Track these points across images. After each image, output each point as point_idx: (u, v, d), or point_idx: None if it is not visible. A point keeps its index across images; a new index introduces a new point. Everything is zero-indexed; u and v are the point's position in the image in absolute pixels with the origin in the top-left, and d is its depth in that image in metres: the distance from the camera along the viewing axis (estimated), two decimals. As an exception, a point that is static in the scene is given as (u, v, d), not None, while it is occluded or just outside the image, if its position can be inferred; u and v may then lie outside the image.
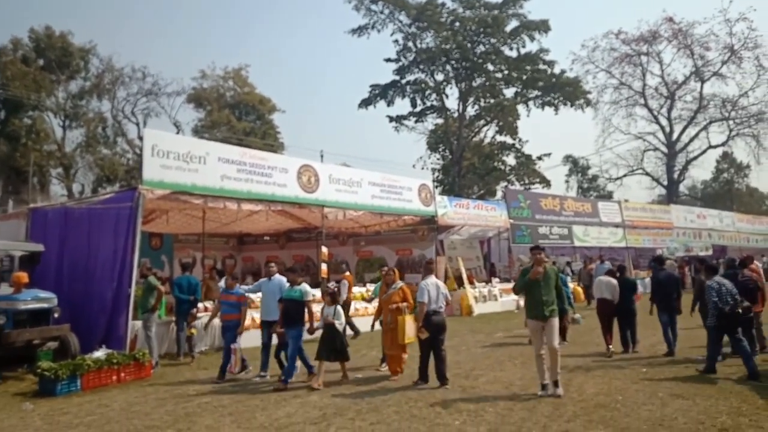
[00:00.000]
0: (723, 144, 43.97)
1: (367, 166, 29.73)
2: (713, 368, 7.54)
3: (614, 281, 9.69)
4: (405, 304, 7.67)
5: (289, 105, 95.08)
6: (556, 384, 6.56)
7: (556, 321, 6.66)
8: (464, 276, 16.88)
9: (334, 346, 7.47)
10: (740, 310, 7.30)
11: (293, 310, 7.57)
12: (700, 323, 8.71)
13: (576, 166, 49.00)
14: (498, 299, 17.50)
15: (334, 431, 5.47)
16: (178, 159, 10.12)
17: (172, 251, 16.90)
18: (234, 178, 11.08)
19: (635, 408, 5.99)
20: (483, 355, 9.66)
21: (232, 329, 8.10)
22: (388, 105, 40.81)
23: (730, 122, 42.18)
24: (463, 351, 10.07)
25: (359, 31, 39.54)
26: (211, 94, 43.31)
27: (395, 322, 7.62)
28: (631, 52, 41.67)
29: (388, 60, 40.55)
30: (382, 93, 40.52)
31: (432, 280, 7.56)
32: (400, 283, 7.98)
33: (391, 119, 41.35)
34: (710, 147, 43.85)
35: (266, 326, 8.03)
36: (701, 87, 41.51)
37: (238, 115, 43.28)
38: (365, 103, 40.99)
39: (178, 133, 37.12)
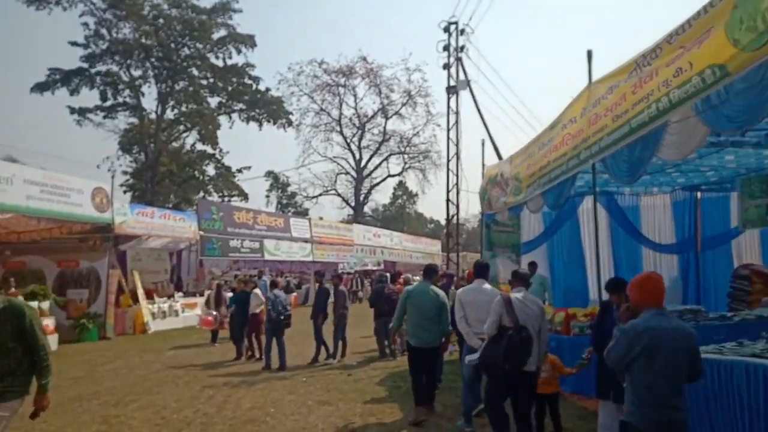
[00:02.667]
0: (399, 174, 51.24)
1: (38, 162, 24.97)
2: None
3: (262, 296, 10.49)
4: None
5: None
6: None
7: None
8: (140, 291, 15.46)
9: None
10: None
11: None
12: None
13: (277, 182, 50.73)
14: (180, 315, 16.52)
15: None
16: None
17: None
18: None
19: (283, 419, 6.15)
20: (143, 378, 8.81)
21: None
22: (72, 94, 35.55)
23: (405, 156, 49.54)
24: (123, 374, 9.03)
25: (37, 1, 33.52)
26: None
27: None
28: (331, 82, 45.45)
29: (74, 44, 35.46)
30: (64, 79, 35.06)
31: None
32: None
33: (74, 110, 36.10)
34: (389, 176, 50.69)
35: None
36: (385, 123, 47.77)
37: None
38: (41, 87, 34.87)
39: None
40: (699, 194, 10.21)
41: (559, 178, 6.86)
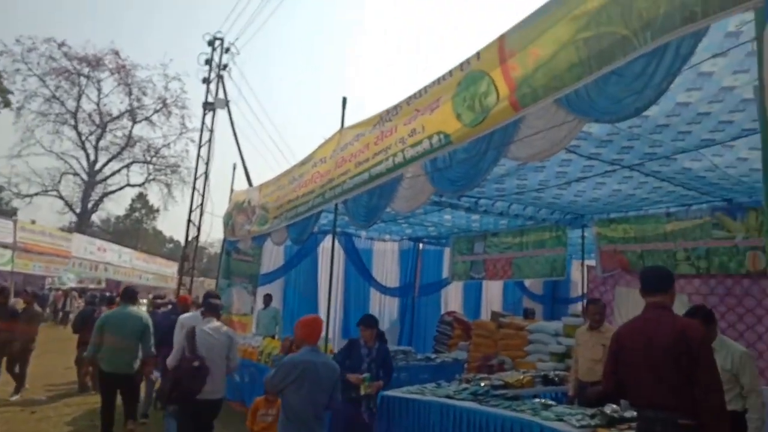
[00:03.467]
0: (141, 185, 46.80)
1: None
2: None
3: None
4: None
5: None
6: None
7: None
8: None
9: None
10: None
11: None
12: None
13: (-22, 171, 41.53)
14: None
15: None
16: None
17: None
18: None
19: None
20: None
21: None
22: None
23: (151, 166, 45.53)
24: None
25: None
26: None
27: None
28: (72, 70, 39.67)
29: None
30: None
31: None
32: None
33: None
34: (129, 185, 45.82)
35: None
36: (132, 126, 43.44)
37: None
38: None
39: None
40: (421, 245, 11.51)
41: (304, 214, 6.93)
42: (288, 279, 10.79)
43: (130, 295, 6.02)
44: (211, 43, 17.04)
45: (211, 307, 4.90)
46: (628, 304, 7.32)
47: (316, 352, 3.74)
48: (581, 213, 8.20)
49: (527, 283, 12.00)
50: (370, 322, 4.91)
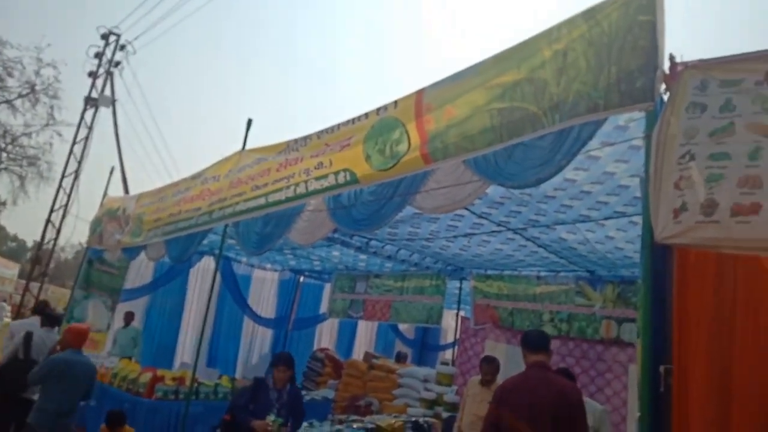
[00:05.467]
0: (-10, 172, 41.53)
1: None
2: None
3: None
4: None
5: None
6: None
7: None
8: None
9: None
10: None
11: None
12: None
13: None
14: None
15: None
16: None
17: None
18: None
19: None
20: None
21: None
22: None
23: (4, 155, 40.64)
24: None
25: None
26: None
27: None
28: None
29: None
30: None
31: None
32: None
33: None
34: (-27, 170, 40.48)
35: None
36: (-8, 107, 38.70)
37: None
38: None
39: None
40: (302, 278, 11.32)
41: (186, 230, 6.51)
42: (154, 298, 10.00)
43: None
44: (104, 37, 15.92)
45: (51, 318, 5.67)
46: (497, 357, 7.69)
47: (78, 353, 4.61)
48: (462, 266, 8.58)
49: (401, 326, 12.22)
50: (290, 362, 4.45)
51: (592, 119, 2.94)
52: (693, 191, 2.34)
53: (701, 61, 2.71)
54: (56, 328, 6.23)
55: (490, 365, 5.46)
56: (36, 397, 4.73)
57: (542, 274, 7.62)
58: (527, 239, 6.09)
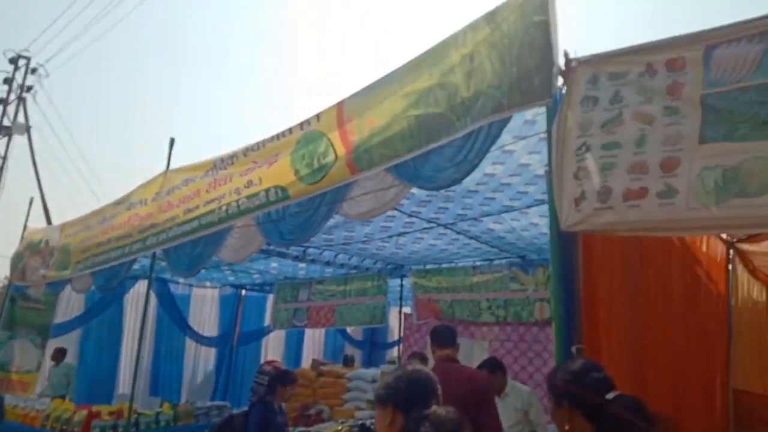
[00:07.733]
0: None
1: None
2: None
3: None
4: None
5: None
6: None
7: None
8: None
9: None
10: None
11: None
12: None
13: None
14: None
15: None
16: None
17: None
18: None
19: None
20: None
21: None
22: None
23: None
24: None
25: None
26: None
27: None
28: None
29: None
30: None
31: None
32: None
33: None
34: None
35: None
36: None
37: None
38: None
39: None
40: (244, 292, 11.15)
41: (118, 259, 6.30)
42: (87, 330, 9.55)
43: None
44: (13, 61, 15.02)
45: None
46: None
47: None
48: (401, 264, 8.75)
49: (349, 329, 12.27)
50: (289, 379, 4.75)
51: (498, 118, 3.13)
52: (590, 180, 2.55)
53: (593, 56, 2.91)
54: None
55: (423, 362, 5.65)
56: None
57: (477, 263, 7.89)
58: (458, 233, 6.31)
